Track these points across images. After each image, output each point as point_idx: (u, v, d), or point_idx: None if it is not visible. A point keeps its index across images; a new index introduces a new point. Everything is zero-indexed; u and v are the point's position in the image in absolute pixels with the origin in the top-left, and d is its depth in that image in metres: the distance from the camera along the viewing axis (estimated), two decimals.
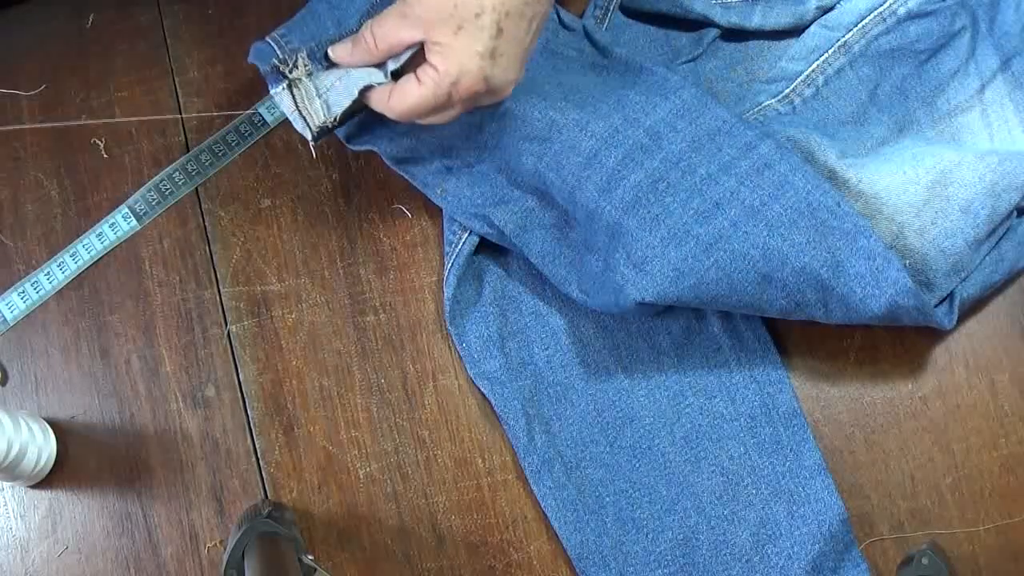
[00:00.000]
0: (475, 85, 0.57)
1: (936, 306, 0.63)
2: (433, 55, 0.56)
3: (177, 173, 0.73)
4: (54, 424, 0.71)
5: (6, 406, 0.70)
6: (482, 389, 0.68)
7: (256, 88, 0.74)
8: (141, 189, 0.73)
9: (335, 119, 0.62)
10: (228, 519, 0.69)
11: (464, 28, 0.55)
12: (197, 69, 0.75)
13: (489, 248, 0.70)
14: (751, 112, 0.70)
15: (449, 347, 0.70)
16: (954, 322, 0.63)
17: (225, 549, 0.61)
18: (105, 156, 0.74)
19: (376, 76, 0.61)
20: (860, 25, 0.69)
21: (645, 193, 0.62)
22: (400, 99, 0.58)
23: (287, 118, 0.63)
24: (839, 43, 0.70)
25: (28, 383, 0.72)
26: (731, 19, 0.71)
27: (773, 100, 0.70)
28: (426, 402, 0.70)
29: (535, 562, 0.67)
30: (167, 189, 0.73)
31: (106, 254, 0.73)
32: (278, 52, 0.63)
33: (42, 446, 0.69)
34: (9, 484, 0.70)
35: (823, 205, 0.61)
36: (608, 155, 0.62)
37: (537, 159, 0.64)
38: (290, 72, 0.62)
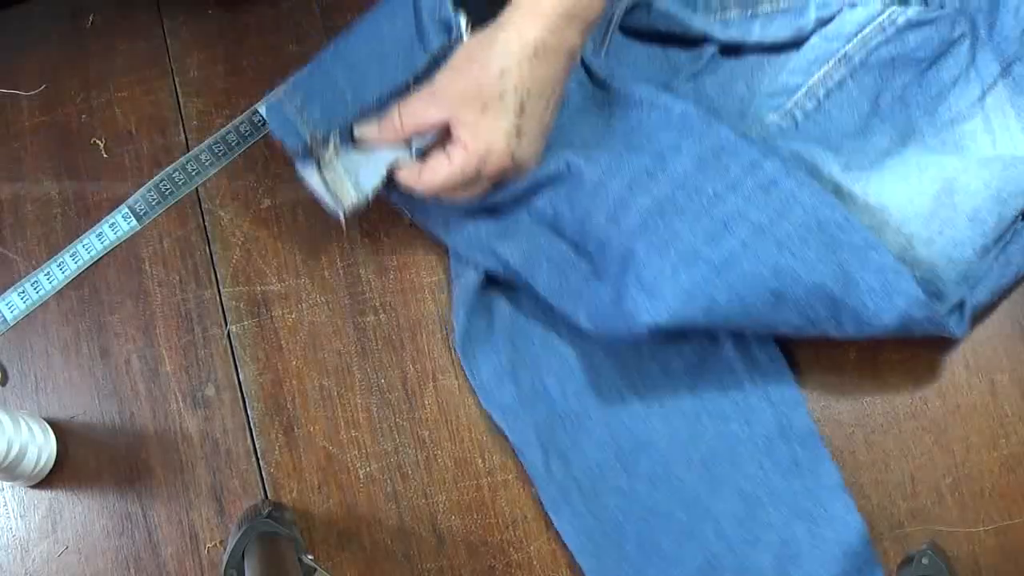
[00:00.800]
0: (503, 161, 0.60)
1: (947, 315, 0.63)
2: (462, 131, 0.59)
3: (177, 173, 0.73)
4: (54, 424, 0.71)
5: (6, 406, 0.70)
6: (496, 420, 0.68)
7: (256, 88, 0.74)
8: (141, 189, 0.73)
9: (367, 198, 0.64)
10: (228, 519, 0.69)
11: (489, 107, 0.58)
12: (197, 69, 0.75)
13: (496, 279, 0.69)
14: (753, 128, 0.69)
15: (449, 347, 0.70)
16: (965, 330, 0.63)
17: (225, 549, 0.61)
18: (105, 156, 0.74)
19: (402, 153, 0.63)
20: (860, 36, 0.69)
21: (653, 217, 0.61)
22: (431, 176, 0.62)
23: None
24: (839, 54, 0.69)
25: (28, 383, 0.72)
26: (731, 34, 0.70)
27: (775, 115, 0.69)
28: (426, 402, 0.69)
29: (535, 562, 0.67)
30: (167, 189, 0.73)
31: (106, 254, 0.73)
32: (300, 127, 0.64)
33: (42, 446, 0.68)
34: (9, 484, 0.70)
35: (831, 220, 0.60)
36: (613, 182, 0.62)
37: (548, 199, 0.65)
38: (321, 153, 0.64)
